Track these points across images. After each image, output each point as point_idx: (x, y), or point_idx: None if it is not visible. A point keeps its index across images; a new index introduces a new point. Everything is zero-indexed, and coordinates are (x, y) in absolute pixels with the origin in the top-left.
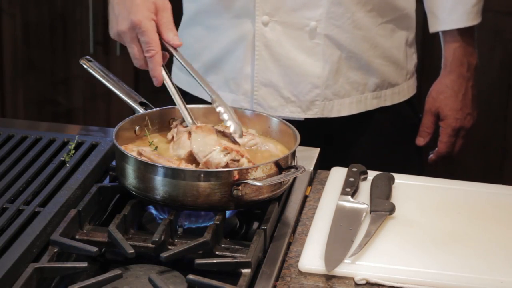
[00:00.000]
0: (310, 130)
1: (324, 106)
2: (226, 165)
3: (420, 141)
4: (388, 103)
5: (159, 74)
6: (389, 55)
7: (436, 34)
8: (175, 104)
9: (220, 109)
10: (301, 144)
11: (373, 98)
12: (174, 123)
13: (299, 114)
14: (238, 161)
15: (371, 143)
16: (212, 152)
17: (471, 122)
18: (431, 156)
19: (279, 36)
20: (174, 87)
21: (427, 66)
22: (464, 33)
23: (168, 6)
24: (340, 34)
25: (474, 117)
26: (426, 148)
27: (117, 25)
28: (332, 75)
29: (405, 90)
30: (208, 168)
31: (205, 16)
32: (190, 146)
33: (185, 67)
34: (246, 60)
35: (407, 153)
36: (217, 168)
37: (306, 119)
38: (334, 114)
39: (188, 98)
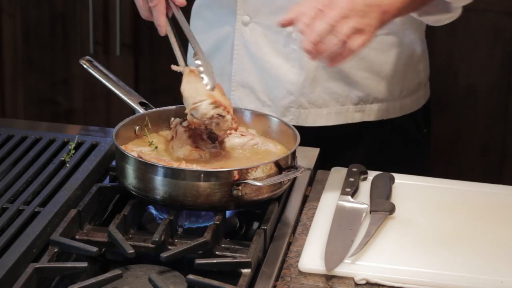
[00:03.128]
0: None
1: (299, 114)
2: (211, 118)
3: (281, 20)
4: (373, 118)
5: (163, 24)
6: (378, 70)
7: (437, 35)
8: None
9: (198, 62)
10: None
11: (356, 111)
12: (174, 122)
13: None
14: (223, 116)
15: (370, 155)
16: (203, 102)
17: (359, 6)
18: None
19: (257, 38)
20: (176, 39)
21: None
22: None
23: None
24: None
25: (369, 15)
26: (432, 166)
27: None
28: (308, 83)
29: (396, 108)
30: (193, 116)
31: (204, 11)
32: (181, 89)
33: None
34: (227, 59)
35: (409, 169)
36: (202, 118)
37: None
38: (310, 123)
39: None
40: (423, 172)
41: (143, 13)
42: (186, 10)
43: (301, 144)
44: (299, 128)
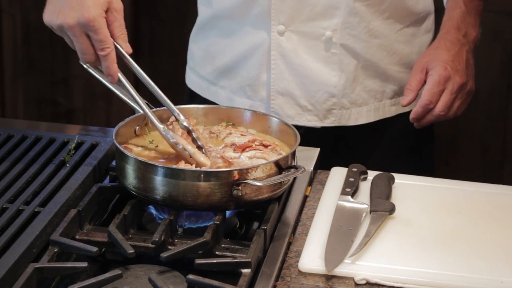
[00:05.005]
0: (324, 137)
1: (341, 114)
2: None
3: (403, 100)
4: (407, 109)
5: (115, 71)
6: (408, 61)
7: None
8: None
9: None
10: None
11: (391, 105)
12: (170, 119)
13: (316, 123)
14: None
15: (382, 150)
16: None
17: (464, 80)
18: (415, 108)
19: (295, 46)
20: (130, 84)
21: None
22: (468, 3)
23: (121, 6)
24: (356, 43)
25: (469, 79)
26: (438, 155)
27: (62, 17)
28: (349, 84)
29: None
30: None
31: (221, 21)
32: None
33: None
34: (262, 68)
35: (418, 160)
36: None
37: (322, 126)
38: (352, 122)
39: (198, 100)
40: (430, 163)
41: (87, 58)
42: (183, 24)
43: (322, 144)
44: (339, 129)
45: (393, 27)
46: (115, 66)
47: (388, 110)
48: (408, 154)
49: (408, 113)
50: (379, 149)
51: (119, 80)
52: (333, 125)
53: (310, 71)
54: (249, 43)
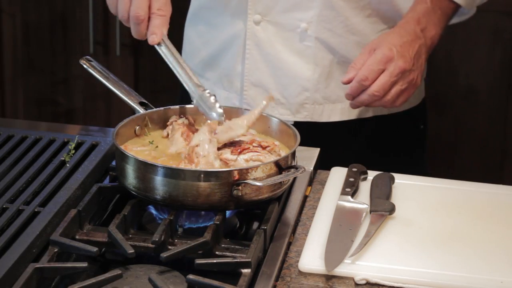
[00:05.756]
0: (303, 133)
1: (314, 110)
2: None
3: (344, 77)
4: (385, 112)
5: (161, 33)
6: None
7: None
8: (174, 103)
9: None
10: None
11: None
12: (171, 120)
13: (288, 117)
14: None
15: (367, 151)
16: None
17: (407, 67)
18: (352, 83)
19: (270, 36)
20: (175, 49)
21: (429, 67)
22: (435, 3)
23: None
24: (332, 38)
25: (415, 69)
26: (432, 166)
27: None
28: (323, 78)
29: None
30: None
31: (206, 12)
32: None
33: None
34: (238, 59)
35: (406, 164)
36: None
37: (297, 122)
38: (324, 119)
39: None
40: (421, 167)
41: (138, 11)
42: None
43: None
44: (310, 124)
45: (376, 26)
46: (162, 29)
47: (365, 110)
48: (400, 157)
49: (394, 113)
50: (366, 149)
51: (160, 45)
52: (305, 120)
53: (284, 63)
54: (228, 34)
